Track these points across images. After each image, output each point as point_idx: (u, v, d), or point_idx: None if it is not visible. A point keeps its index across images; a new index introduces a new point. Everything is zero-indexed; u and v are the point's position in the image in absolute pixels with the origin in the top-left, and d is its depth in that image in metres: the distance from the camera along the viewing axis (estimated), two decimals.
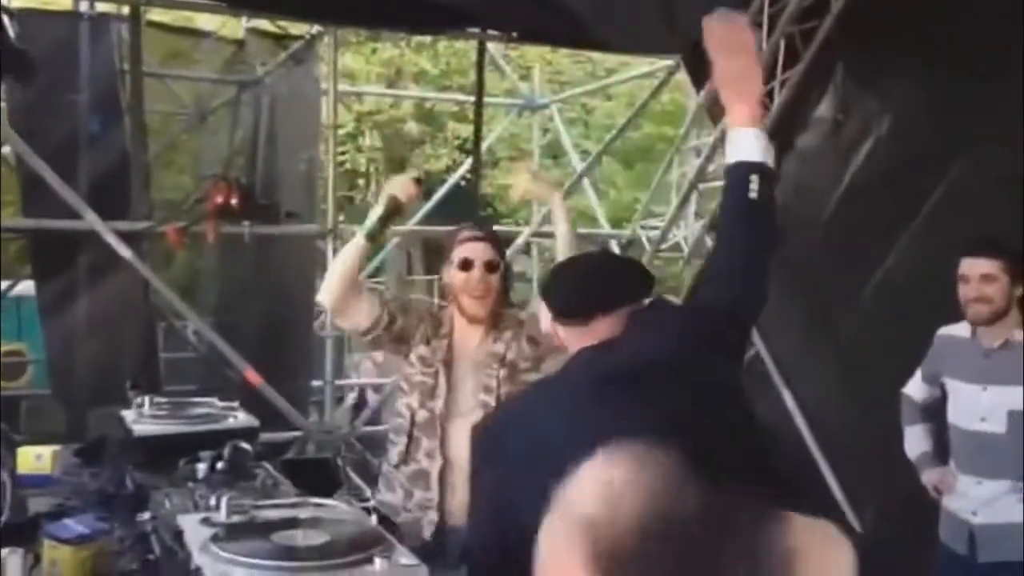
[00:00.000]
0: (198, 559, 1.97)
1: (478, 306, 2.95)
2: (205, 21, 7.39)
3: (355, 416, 7.08)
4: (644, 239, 6.48)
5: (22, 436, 5.87)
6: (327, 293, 3.03)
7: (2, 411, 6.47)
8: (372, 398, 7.91)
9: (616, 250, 8.91)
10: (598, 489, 0.94)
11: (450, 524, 2.94)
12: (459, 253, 2.95)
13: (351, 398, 8.25)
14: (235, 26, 6.91)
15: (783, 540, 0.96)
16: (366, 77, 14.20)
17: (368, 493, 5.15)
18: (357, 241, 3.01)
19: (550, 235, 10.10)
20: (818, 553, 0.98)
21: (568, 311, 2.00)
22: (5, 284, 6.86)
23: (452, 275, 2.97)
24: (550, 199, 3.26)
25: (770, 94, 5.35)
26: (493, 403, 2.91)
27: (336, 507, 2.37)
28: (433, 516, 2.95)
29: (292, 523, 2.18)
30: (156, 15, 6.47)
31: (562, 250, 3.09)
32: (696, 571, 0.90)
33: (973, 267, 3.22)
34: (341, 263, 3.01)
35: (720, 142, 5.64)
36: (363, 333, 3.06)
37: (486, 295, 2.92)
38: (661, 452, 0.97)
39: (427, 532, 2.96)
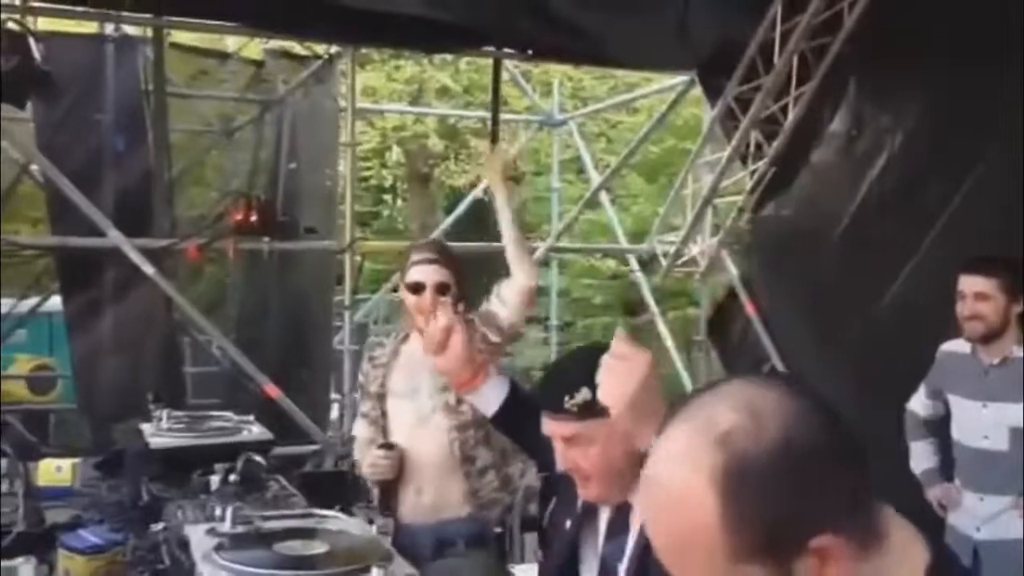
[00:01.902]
0: (201, 567, 2.03)
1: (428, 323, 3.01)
2: (230, 43, 7.51)
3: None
4: (660, 254, 6.50)
5: (50, 448, 6.00)
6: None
7: (28, 424, 6.63)
8: None
9: (635, 264, 8.97)
10: (742, 407, 0.95)
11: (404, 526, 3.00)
12: (410, 276, 3.01)
13: None
14: (255, 48, 7.04)
15: (881, 523, 1.00)
16: (389, 94, 14.34)
17: None
18: None
19: (570, 249, 10.18)
20: (903, 554, 1.02)
21: None
22: (35, 300, 7.00)
23: (404, 295, 3.04)
24: (495, 185, 3.17)
25: (784, 109, 5.39)
26: (454, 402, 2.94)
27: (339, 518, 2.43)
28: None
29: (295, 534, 2.24)
30: (181, 37, 6.60)
31: (508, 238, 3.08)
32: (808, 509, 0.93)
33: (968, 285, 3.24)
34: None
35: (733, 157, 5.68)
36: None
37: None
38: (806, 395, 0.99)
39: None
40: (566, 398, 1.79)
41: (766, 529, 0.92)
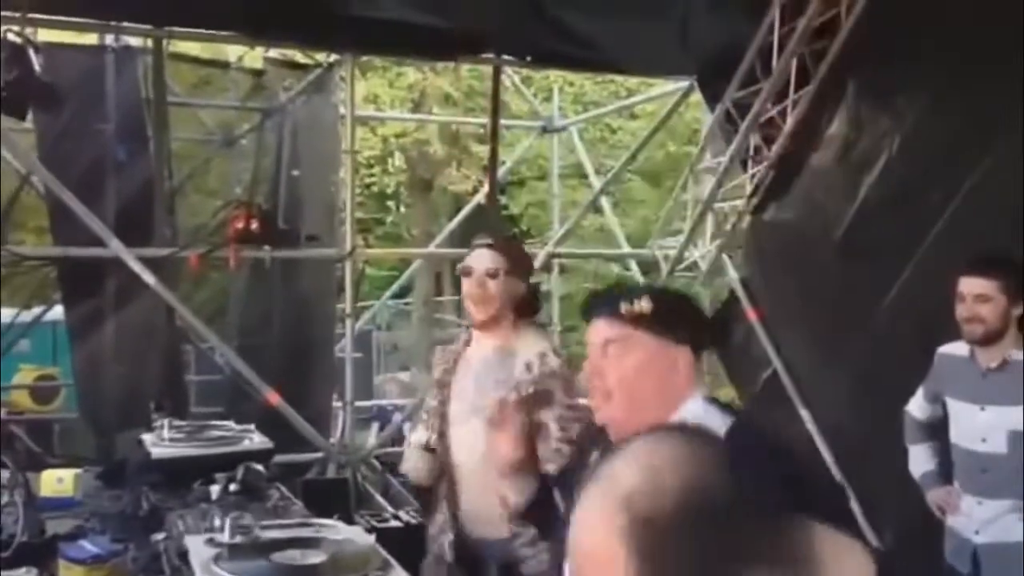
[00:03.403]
0: None
1: (478, 312, 2.93)
2: (231, 52, 7.53)
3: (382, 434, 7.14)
4: (661, 259, 6.50)
5: (56, 459, 6.02)
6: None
7: (32, 434, 6.64)
8: (396, 417, 8.01)
9: (636, 270, 8.97)
10: (640, 466, 0.99)
11: (467, 536, 2.92)
12: (465, 261, 2.97)
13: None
14: (256, 56, 7.06)
15: (807, 545, 1.01)
16: (391, 101, 14.38)
17: (387, 513, 5.23)
18: None
19: (571, 255, 10.13)
20: (839, 567, 1.03)
21: None
22: (39, 310, 7.02)
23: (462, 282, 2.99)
24: None
25: (783, 113, 5.39)
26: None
27: (337, 527, 2.44)
28: (450, 536, 2.93)
29: (294, 543, 2.25)
30: (182, 47, 6.62)
31: None
32: (723, 554, 0.95)
33: (968, 286, 3.24)
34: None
35: (733, 161, 5.69)
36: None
37: (484, 300, 2.90)
38: (701, 440, 1.02)
39: (449, 555, 2.94)
40: (624, 303, 1.80)
41: None
